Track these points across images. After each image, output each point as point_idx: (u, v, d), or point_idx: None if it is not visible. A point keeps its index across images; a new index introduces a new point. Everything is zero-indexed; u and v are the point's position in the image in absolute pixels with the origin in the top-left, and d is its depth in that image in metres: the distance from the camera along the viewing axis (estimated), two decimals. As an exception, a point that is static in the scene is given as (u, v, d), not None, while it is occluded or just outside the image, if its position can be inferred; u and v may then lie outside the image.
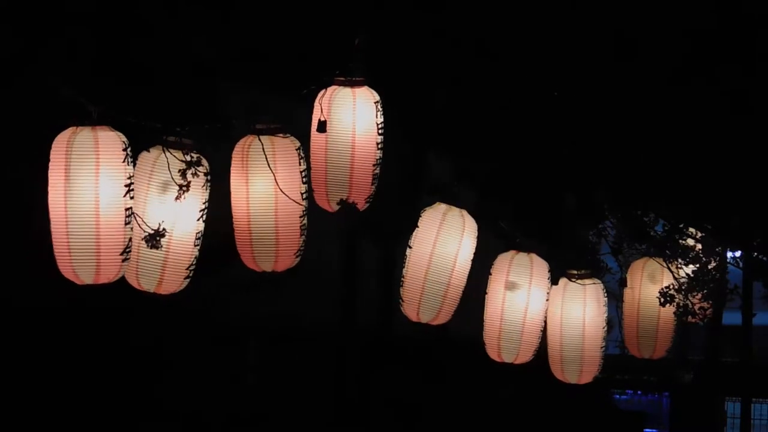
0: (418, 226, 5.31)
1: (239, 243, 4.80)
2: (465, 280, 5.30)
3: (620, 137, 6.02)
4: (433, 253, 5.26)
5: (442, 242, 5.28)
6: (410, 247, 5.31)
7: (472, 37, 5.94)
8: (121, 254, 4.42)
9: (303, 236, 4.80)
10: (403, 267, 5.32)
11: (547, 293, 5.53)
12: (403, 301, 5.31)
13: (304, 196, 4.77)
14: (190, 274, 4.63)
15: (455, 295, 5.29)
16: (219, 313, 8.29)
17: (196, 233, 4.61)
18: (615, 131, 6.02)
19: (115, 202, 4.39)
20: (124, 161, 4.42)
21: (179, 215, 4.56)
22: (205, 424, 8.31)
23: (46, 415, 7.67)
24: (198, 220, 4.61)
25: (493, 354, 5.53)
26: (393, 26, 5.81)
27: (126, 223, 4.41)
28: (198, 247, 4.63)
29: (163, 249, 4.52)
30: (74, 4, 5.91)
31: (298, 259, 4.83)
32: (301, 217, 4.78)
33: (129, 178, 4.42)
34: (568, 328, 5.62)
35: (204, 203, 4.62)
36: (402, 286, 5.30)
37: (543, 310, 5.51)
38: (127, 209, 4.41)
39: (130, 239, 4.44)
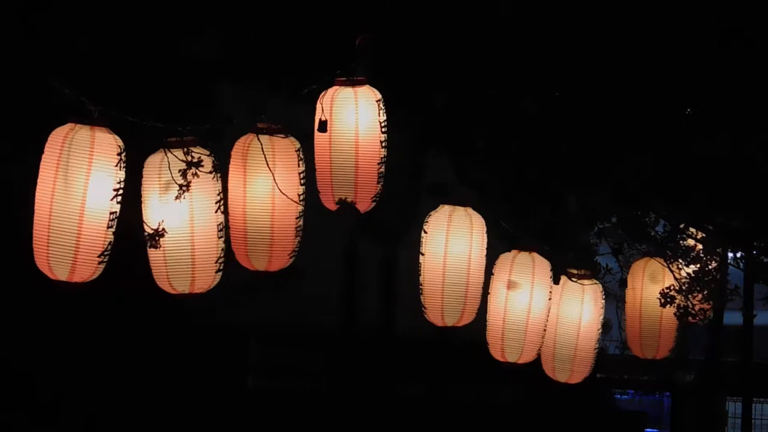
0: (426, 232, 5.32)
1: (234, 241, 4.79)
2: (482, 277, 5.33)
3: (621, 136, 6.02)
4: (447, 256, 5.28)
5: (453, 243, 5.29)
6: (423, 254, 5.32)
7: (474, 37, 5.94)
8: (99, 256, 4.41)
9: (298, 237, 4.80)
10: (419, 275, 5.32)
11: (550, 292, 5.53)
12: (425, 308, 5.31)
13: (302, 197, 4.76)
14: (221, 267, 4.63)
15: (476, 293, 5.31)
16: (219, 314, 8.28)
17: (218, 225, 4.61)
18: (615, 130, 6.02)
19: (101, 205, 4.39)
20: (116, 165, 4.41)
21: (196, 211, 4.56)
22: (205, 425, 8.30)
23: (48, 416, 7.67)
24: (216, 212, 4.60)
25: (496, 354, 5.52)
26: (394, 25, 5.81)
27: (108, 227, 4.41)
28: (223, 239, 4.63)
29: (188, 248, 4.53)
30: (74, 4, 5.91)
31: (292, 260, 4.82)
32: (297, 218, 4.78)
33: (119, 183, 4.41)
34: (564, 327, 5.62)
35: (218, 194, 4.61)
36: (421, 294, 5.32)
37: (546, 308, 5.51)
38: (111, 213, 4.41)
39: (110, 243, 4.43)
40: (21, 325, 7.53)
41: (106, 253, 4.42)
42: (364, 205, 4.88)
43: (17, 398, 7.59)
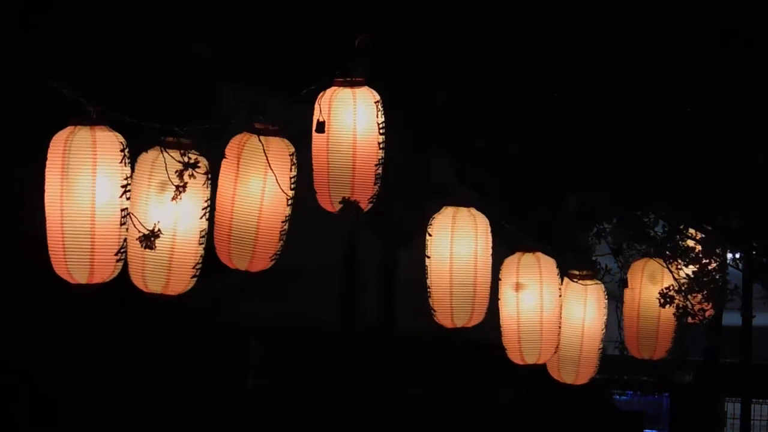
0: (430, 235, 5.31)
1: (217, 237, 4.74)
2: (490, 277, 5.32)
3: (621, 136, 6.03)
4: (453, 258, 5.27)
5: (459, 245, 5.28)
6: (428, 257, 5.31)
7: (474, 37, 5.94)
8: (116, 255, 4.40)
9: (281, 241, 4.76)
10: (426, 278, 5.32)
11: (559, 289, 5.53)
12: (435, 311, 5.30)
13: (290, 202, 4.74)
14: (197, 274, 4.61)
15: (484, 293, 5.30)
16: (219, 314, 8.29)
17: (200, 232, 4.60)
18: (616, 130, 6.03)
19: (111, 203, 4.37)
20: (121, 162, 4.40)
21: (181, 215, 4.55)
22: (205, 425, 8.30)
23: (48, 416, 7.67)
24: (201, 218, 4.59)
25: (515, 358, 5.51)
26: (394, 25, 5.81)
27: (122, 224, 4.39)
28: (203, 246, 4.60)
29: (167, 249, 4.52)
30: (74, 4, 5.91)
31: (273, 262, 4.80)
32: (283, 222, 4.75)
33: (126, 179, 4.40)
34: (568, 328, 5.61)
35: (206, 201, 4.60)
36: (430, 296, 5.30)
37: (557, 306, 5.51)
38: (122, 210, 4.40)
39: (125, 240, 4.42)
40: (21, 325, 7.54)
41: (122, 250, 4.41)
42: (361, 204, 4.87)
43: (17, 398, 7.59)
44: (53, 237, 4.39)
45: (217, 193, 4.75)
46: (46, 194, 4.40)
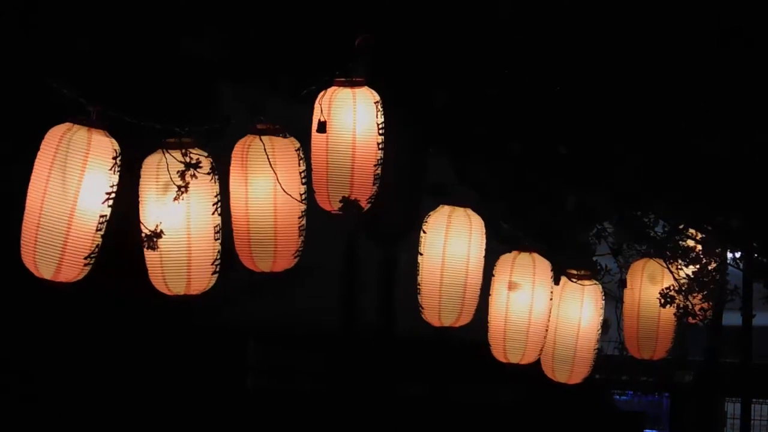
0: (425, 232, 5.32)
1: (237, 243, 4.79)
2: (481, 278, 5.33)
3: (621, 136, 6.03)
4: (445, 257, 5.28)
5: (452, 244, 5.29)
6: (421, 254, 5.32)
7: (474, 37, 5.94)
8: (85, 258, 4.39)
9: (302, 237, 4.80)
10: (417, 275, 5.32)
11: (551, 292, 5.54)
12: (423, 308, 5.31)
13: (303, 197, 4.77)
14: (217, 269, 4.64)
15: (473, 294, 5.31)
16: (219, 314, 8.28)
17: (214, 227, 4.62)
18: (616, 130, 6.03)
19: (92, 207, 4.36)
20: (111, 169, 4.39)
21: (192, 213, 4.56)
22: (204, 425, 8.30)
23: (48, 416, 7.67)
24: (213, 214, 4.61)
25: (498, 355, 5.52)
26: (394, 25, 5.81)
27: (97, 230, 4.38)
28: (219, 241, 4.63)
29: (184, 249, 4.55)
30: (74, 3, 5.91)
31: (297, 260, 4.82)
32: (300, 218, 4.78)
33: (112, 186, 4.40)
34: (564, 328, 5.62)
35: (216, 196, 4.62)
36: (419, 294, 5.31)
37: (547, 309, 5.51)
38: (102, 216, 4.38)
39: (98, 246, 4.41)
40: (20, 325, 7.54)
41: (92, 255, 4.39)
42: (361, 203, 4.88)
43: (17, 398, 7.60)
44: (28, 227, 4.39)
45: (230, 198, 4.78)
46: (30, 183, 4.39)
